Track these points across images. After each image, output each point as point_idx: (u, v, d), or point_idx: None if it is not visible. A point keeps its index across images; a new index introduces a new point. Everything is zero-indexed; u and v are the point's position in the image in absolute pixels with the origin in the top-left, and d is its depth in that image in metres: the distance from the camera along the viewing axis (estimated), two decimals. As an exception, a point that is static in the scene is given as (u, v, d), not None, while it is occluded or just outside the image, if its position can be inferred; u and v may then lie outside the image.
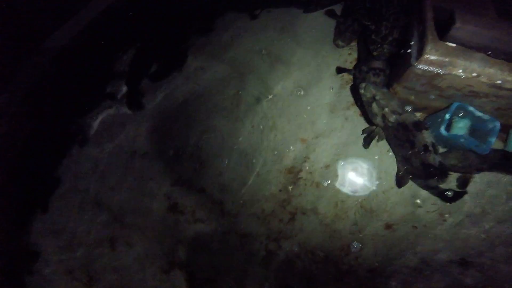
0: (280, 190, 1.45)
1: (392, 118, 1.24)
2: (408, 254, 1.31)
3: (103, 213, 1.57)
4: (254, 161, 1.52)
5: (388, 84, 1.34)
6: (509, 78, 1.09)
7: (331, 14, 1.76)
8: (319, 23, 1.76)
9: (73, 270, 1.50)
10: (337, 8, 1.76)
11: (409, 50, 1.27)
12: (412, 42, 1.28)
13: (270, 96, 1.62)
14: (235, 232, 1.46)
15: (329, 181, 1.43)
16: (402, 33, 1.43)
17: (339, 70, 1.56)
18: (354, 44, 1.65)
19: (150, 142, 1.68)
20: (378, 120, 1.29)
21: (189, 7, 1.96)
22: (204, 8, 1.94)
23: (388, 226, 1.35)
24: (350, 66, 1.57)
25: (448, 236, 1.27)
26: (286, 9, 1.84)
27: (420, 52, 1.19)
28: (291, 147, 1.50)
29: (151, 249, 1.51)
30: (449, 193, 1.19)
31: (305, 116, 1.53)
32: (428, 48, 1.17)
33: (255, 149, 1.54)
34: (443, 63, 1.16)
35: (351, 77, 1.54)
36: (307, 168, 1.45)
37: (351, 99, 1.49)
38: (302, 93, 1.58)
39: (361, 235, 1.36)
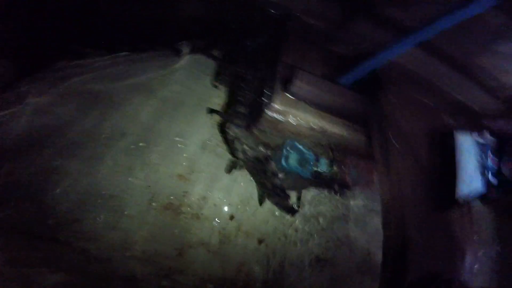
0: (160, 228, 1.49)
1: (250, 153, 1.57)
2: (285, 262, 1.60)
3: None
4: (122, 202, 1.45)
5: (247, 126, 1.67)
6: (316, 122, 1.60)
7: (210, 56, 1.95)
8: (202, 64, 1.91)
9: None
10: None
11: (263, 99, 1.62)
12: (265, 92, 1.63)
13: (139, 133, 1.59)
14: (115, 276, 1.37)
15: (208, 212, 1.59)
16: (261, 83, 1.76)
17: (210, 111, 1.80)
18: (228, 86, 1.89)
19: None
20: (240, 154, 1.60)
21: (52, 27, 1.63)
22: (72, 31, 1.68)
23: (260, 241, 1.63)
24: (221, 107, 1.82)
25: (299, 241, 1.68)
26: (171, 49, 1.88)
27: (270, 101, 1.55)
28: (168, 184, 1.56)
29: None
30: (292, 207, 1.64)
31: (180, 152, 1.65)
32: (275, 99, 1.54)
33: (122, 190, 1.47)
34: (283, 112, 1.56)
35: (220, 117, 1.80)
36: (186, 202, 1.57)
37: (220, 137, 1.74)
38: (177, 137, 1.67)
39: (243, 254, 1.57)
